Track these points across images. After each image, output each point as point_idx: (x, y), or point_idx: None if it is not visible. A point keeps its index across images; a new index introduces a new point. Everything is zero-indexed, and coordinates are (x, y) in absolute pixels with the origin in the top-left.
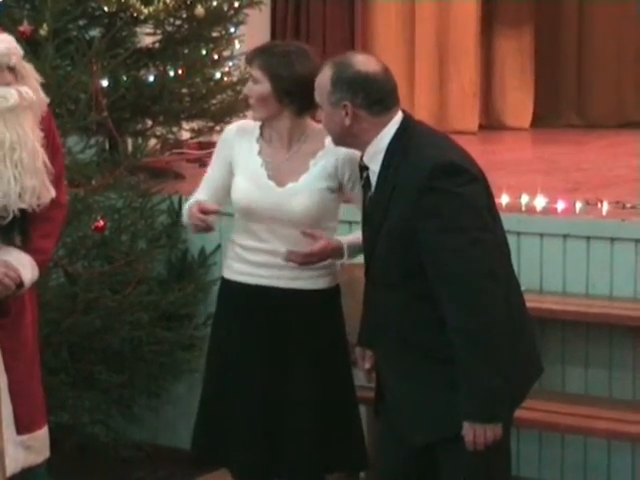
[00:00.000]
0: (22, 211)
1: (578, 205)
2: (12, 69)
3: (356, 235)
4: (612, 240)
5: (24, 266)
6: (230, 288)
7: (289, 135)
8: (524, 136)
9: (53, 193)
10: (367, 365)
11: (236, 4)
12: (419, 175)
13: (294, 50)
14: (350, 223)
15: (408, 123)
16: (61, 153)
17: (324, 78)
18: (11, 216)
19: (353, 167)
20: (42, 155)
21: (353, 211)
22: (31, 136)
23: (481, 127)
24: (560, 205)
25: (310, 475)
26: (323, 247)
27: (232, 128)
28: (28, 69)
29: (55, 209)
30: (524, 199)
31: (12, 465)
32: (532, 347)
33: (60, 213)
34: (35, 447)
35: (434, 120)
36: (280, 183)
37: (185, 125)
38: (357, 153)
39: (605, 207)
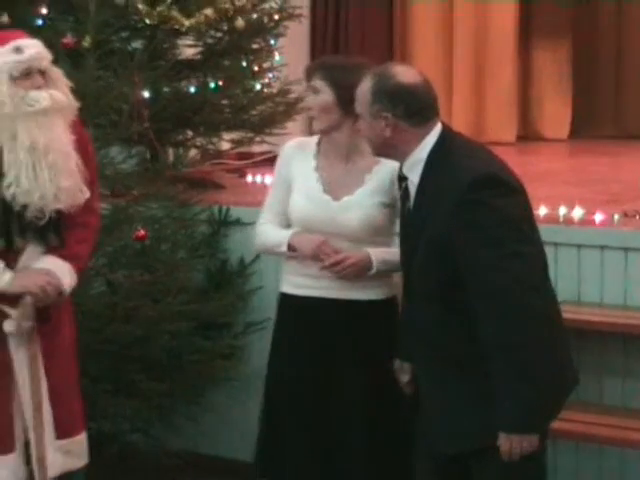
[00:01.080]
0: (57, 213)
1: (616, 217)
2: (43, 73)
3: (387, 250)
4: None
5: (64, 274)
6: (288, 303)
7: (347, 148)
8: (562, 147)
9: (87, 194)
10: (405, 378)
11: (276, 16)
12: (458, 187)
13: (354, 62)
14: None
15: (447, 134)
16: (93, 159)
17: (364, 89)
18: (47, 217)
19: None
20: (75, 157)
21: None
22: (63, 139)
23: (519, 138)
24: (598, 216)
25: None
26: (344, 257)
27: (290, 145)
28: (57, 73)
29: (89, 215)
30: (562, 210)
31: (50, 469)
32: (568, 358)
33: (94, 219)
34: (74, 452)
35: (472, 131)
36: (336, 197)
37: (225, 136)
38: None
39: None
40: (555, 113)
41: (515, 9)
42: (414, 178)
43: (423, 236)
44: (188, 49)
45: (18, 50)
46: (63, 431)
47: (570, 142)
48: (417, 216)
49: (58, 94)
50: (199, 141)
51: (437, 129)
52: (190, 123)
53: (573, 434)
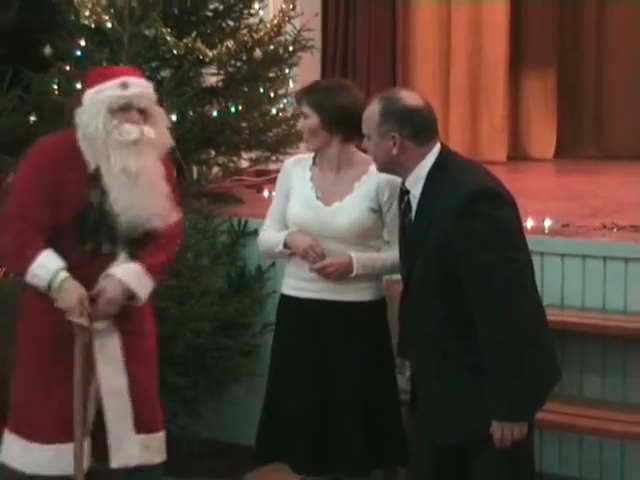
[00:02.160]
0: (146, 229)
1: (596, 228)
2: (143, 111)
3: (369, 256)
4: (626, 260)
5: (139, 281)
6: (287, 303)
7: (338, 160)
8: (548, 166)
9: (176, 217)
10: (407, 373)
11: (290, 48)
12: (458, 199)
13: (336, 85)
14: None
15: (446, 153)
16: (177, 186)
17: (372, 111)
18: (138, 232)
19: (392, 191)
20: (164, 185)
21: None
22: (153, 167)
23: (509, 158)
24: (579, 228)
25: (357, 469)
26: (329, 262)
27: (290, 160)
28: (159, 113)
29: (174, 230)
30: (547, 222)
31: (126, 459)
32: (552, 355)
33: (177, 235)
34: (152, 447)
35: (467, 151)
36: (327, 203)
37: (244, 155)
38: (396, 179)
39: (620, 230)
40: (541, 135)
41: (506, 43)
42: (416, 192)
43: (425, 243)
44: (211, 77)
45: (124, 86)
46: (142, 426)
47: (555, 161)
48: (419, 226)
49: (151, 131)
50: (221, 160)
51: (437, 148)
52: (213, 143)
53: (557, 425)
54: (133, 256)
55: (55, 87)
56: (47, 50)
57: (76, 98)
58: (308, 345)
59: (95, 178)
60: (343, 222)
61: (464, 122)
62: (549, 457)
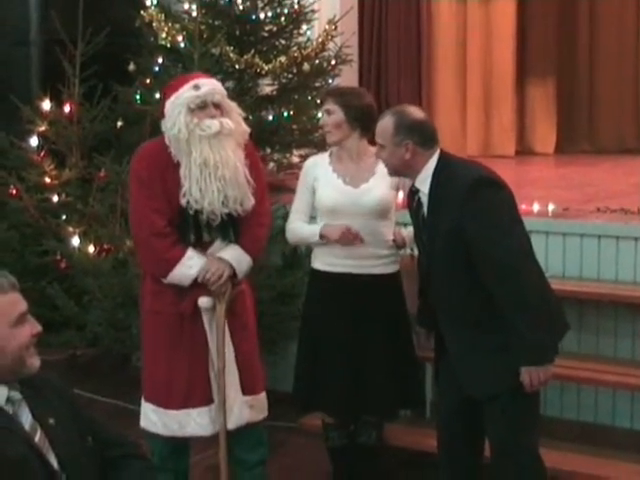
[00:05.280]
0: (229, 215)
1: (591, 212)
2: (217, 105)
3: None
4: (617, 238)
5: (240, 261)
6: (320, 276)
7: (357, 151)
8: (549, 159)
9: (253, 201)
10: (422, 338)
11: (333, 62)
12: (463, 188)
13: (357, 90)
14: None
15: (445, 154)
16: (262, 172)
17: (387, 124)
18: (219, 219)
19: None
20: (243, 171)
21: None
22: (232, 157)
23: (516, 152)
24: (577, 212)
25: (386, 409)
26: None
27: (310, 160)
28: (231, 105)
29: (263, 217)
30: (550, 207)
31: (238, 420)
32: (560, 309)
33: (266, 219)
34: (256, 407)
35: (481, 147)
36: (355, 186)
37: (295, 152)
38: None
39: (611, 213)
40: (544, 133)
41: (512, 57)
42: (425, 189)
43: (440, 231)
44: (267, 87)
45: (196, 87)
46: (248, 389)
47: (555, 156)
48: (432, 217)
49: (229, 122)
50: (276, 156)
51: (437, 152)
52: (269, 142)
53: (558, 376)
54: (227, 240)
55: (137, 97)
56: (131, 67)
57: (159, 111)
58: (341, 311)
59: (180, 177)
60: (371, 199)
61: (479, 123)
62: (551, 403)
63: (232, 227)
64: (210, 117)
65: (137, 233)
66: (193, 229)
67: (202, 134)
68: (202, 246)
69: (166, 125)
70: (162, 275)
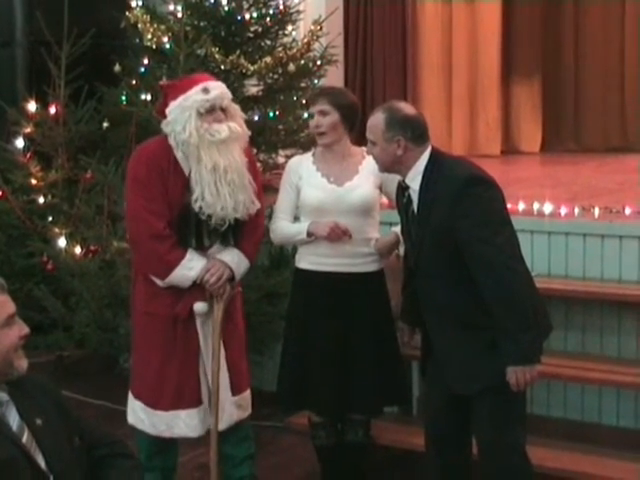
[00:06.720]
0: (235, 220)
1: (576, 210)
2: (224, 109)
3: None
4: (602, 237)
5: (239, 264)
6: (304, 275)
7: (343, 152)
8: (535, 158)
9: (258, 205)
10: (406, 335)
11: (318, 62)
12: (453, 186)
13: (342, 89)
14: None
15: (436, 152)
16: (259, 173)
17: (378, 120)
18: (227, 224)
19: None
20: (247, 175)
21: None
22: (239, 161)
23: (502, 152)
24: (563, 210)
25: (372, 407)
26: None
27: (293, 161)
28: (235, 109)
29: (258, 218)
30: (535, 206)
31: (228, 420)
32: (544, 310)
33: (261, 220)
34: (243, 405)
35: (467, 146)
36: (339, 184)
37: (281, 152)
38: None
39: (597, 212)
40: (529, 132)
41: (498, 57)
42: (415, 186)
43: (429, 228)
44: (253, 87)
45: (205, 90)
46: (236, 389)
47: (541, 154)
48: (422, 214)
49: (235, 126)
50: (262, 156)
51: (429, 148)
52: (255, 143)
53: (544, 374)
54: (225, 244)
55: (123, 99)
56: (116, 68)
57: (159, 112)
58: (326, 310)
59: (190, 182)
60: (356, 197)
61: (465, 122)
62: (538, 401)
63: (232, 231)
64: (218, 121)
65: (134, 235)
66: (195, 233)
67: (212, 139)
68: (201, 250)
69: (174, 128)
70: (161, 277)
